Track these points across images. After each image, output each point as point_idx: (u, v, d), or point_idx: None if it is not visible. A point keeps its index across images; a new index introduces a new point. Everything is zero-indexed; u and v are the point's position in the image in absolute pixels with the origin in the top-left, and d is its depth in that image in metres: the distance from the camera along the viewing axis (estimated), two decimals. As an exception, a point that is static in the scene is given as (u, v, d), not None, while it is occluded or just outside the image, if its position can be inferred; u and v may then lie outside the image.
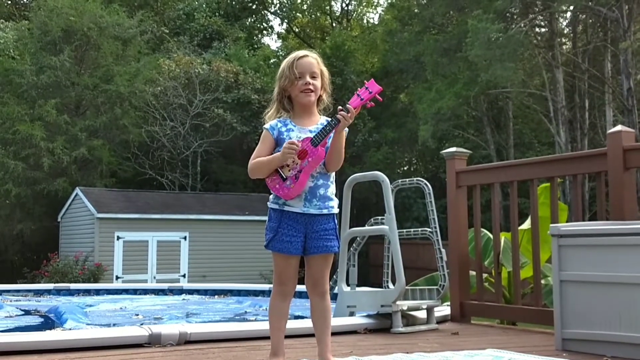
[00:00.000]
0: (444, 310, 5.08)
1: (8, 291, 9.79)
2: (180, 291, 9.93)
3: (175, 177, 22.76)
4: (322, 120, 2.97)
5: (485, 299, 5.06)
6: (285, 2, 32.84)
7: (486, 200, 15.62)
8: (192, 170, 22.88)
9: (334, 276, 4.83)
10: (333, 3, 32.53)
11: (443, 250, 4.87)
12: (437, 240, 4.90)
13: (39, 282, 15.78)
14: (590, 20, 21.59)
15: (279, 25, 36.15)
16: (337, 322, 4.13)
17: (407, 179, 5.12)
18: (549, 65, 20.44)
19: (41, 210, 20.43)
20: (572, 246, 3.60)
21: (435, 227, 4.94)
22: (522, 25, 19.61)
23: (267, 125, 2.94)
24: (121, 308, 7.77)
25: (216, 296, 9.52)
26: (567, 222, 5.83)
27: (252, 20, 33.29)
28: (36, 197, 20.09)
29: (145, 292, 10.03)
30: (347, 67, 24.35)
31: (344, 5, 32.58)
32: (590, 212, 19.65)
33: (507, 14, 20.89)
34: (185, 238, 18.47)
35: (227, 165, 24.32)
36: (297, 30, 33.81)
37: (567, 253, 3.61)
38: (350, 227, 4.69)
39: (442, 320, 4.96)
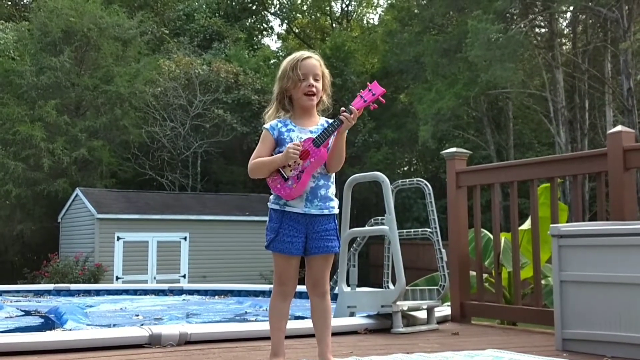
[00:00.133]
0: (444, 310, 5.08)
1: (8, 292, 9.79)
2: (181, 292, 9.93)
3: (175, 178, 22.77)
4: (321, 121, 2.97)
5: (485, 299, 5.06)
6: (285, 2, 32.86)
7: (486, 200, 15.63)
8: (192, 170, 22.89)
9: (334, 276, 4.83)
10: (333, 4, 32.56)
11: (443, 250, 4.87)
12: (438, 240, 4.90)
13: (39, 283, 15.79)
14: (590, 21, 21.59)
15: (279, 25, 36.23)
16: (337, 322, 4.14)
17: (407, 180, 5.12)
18: (549, 66, 20.44)
19: (41, 211, 20.44)
20: (572, 246, 3.60)
21: (436, 228, 4.94)
22: (522, 25, 19.61)
23: (267, 125, 2.94)
24: (121, 308, 7.77)
25: (216, 297, 9.52)
26: (567, 222, 5.83)
27: (252, 20, 33.31)
28: (36, 198, 20.10)
29: (146, 292, 10.03)
30: (347, 67, 24.36)
31: (344, 5, 32.62)
32: (590, 213, 19.65)
33: (507, 15, 20.89)
34: (185, 238, 18.48)
35: (227, 166, 24.33)
36: (297, 30, 33.82)
37: (567, 253, 3.61)
38: (350, 228, 4.69)
39: (443, 320, 4.96)
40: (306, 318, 4.65)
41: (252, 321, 6.33)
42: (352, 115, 2.80)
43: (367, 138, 23.67)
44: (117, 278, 17.34)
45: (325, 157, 2.85)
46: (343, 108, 2.82)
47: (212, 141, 22.36)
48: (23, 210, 20.34)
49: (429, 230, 5.00)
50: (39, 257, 19.62)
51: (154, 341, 3.66)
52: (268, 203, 2.94)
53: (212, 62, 23.56)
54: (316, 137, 2.82)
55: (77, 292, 9.75)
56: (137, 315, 7.02)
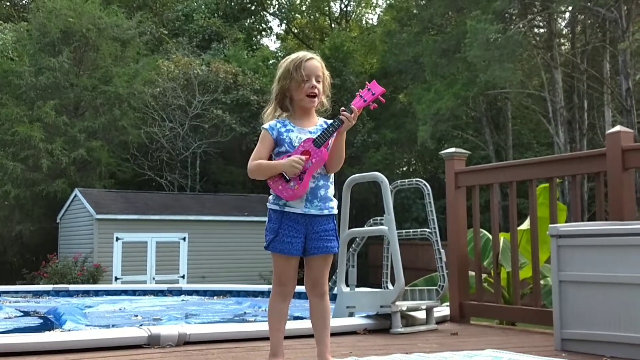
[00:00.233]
0: (443, 310, 5.08)
1: (7, 292, 9.79)
2: (180, 292, 9.93)
3: (174, 178, 22.76)
4: (320, 121, 2.97)
5: (484, 299, 5.06)
6: (284, 3, 32.86)
7: (485, 200, 15.62)
8: (191, 171, 22.89)
9: (334, 277, 4.83)
10: (332, 4, 32.58)
11: (442, 250, 4.87)
12: (437, 240, 4.91)
13: (38, 283, 15.79)
14: (589, 21, 21.61)
15: (278, 26, 36.28)
16: (336, 322, 4.13)
17: (406, 180, 5.12)
18: (548, 66, 20.45)
19: (40, 212, 20.43)
20: (571, 246, 3.60)
21: (435, 228, 4.94)
22: (521, 25, 19.63)
23: (266, 126, 2.93)
24: (120, 309, 7.77)
25: (215, 297, 9.52)
26: (566, 222, 5.84)
27: (251, 21, 33.31)
28: (35, 198, 20.08)
29: (145, 293, 10.03)
30: (346, 67, 24.37)
31: (342, 6, 32.62)
32: (589, 213, 19.66)
33: (506, 15, 20.90)
34: (184, 239, 18.47)
35: (226, 166, 24.33)
36: (296, 31, 33.83)
37: (566, 253, 3.61)
38: (349, 228, 4.69)
39: (442, 320, 4.96)
40: (305, 318, 4.65)
41: (251, 322, 6.33)
42: (352, 115, 2.80)
43: (366, 138, 23.68)
44: (116, 278, 17.33)
45: (326, 157, 2.85)
46: (343, 108, 2.81)
47: (211, 141, 22.35)
48: (22, 211, 20.33)
49: (428, 230, 5.00)
50: (38, 258, 19.61)
51: (152, 342, 3.65)
52: (267, 203, 2.94)
53: (211, 62, 23.56)
54: (317, 138, 2.82)
55: (76, 293, 9.75)
56: (136, 316, 7.02)
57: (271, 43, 42.72)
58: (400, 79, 25.69)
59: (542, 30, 22.59)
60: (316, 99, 2.91)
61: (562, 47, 23.15)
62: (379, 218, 5.05)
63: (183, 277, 18.23)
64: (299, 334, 3.91)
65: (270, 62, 27.41)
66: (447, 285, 4.83)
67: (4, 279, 17.92)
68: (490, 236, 6.33)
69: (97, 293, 9.84)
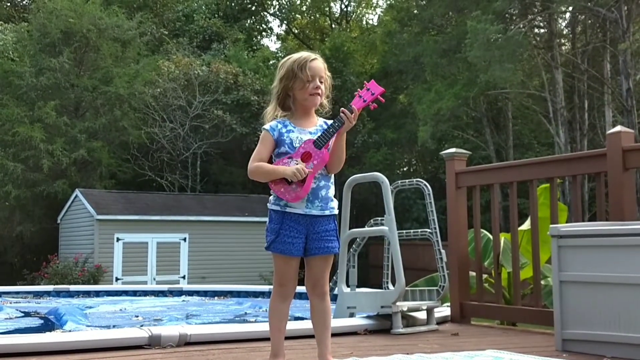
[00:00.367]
0: (443, 311, 5.08)
1: (8, 293, 9.78)
2: (180, 292, 9.92)
3: (174, 179, 22.76)
4: (320, 122, 2.97)
5: (485, 299, 5.06)
6: (285, 3, 32.87)
7: (486, 201, 15.62)
8: (192, 171, 22.89)
9: (334, 277, 4.83)
10: (332, 4, 32.58)
11: (443, 251, 4.86)
12: (437, 241, 4.90)
13: (39, 284, 15.79)
14: (590, 21, 21.61)
15: (278, 26, 36.31)
16: (337, 323, 4.13)
17: (407, 180, 5.12)
18: (548, 66, 20.46)
19: (41, 212, 20.43)
20: (572, 247, 3.60)
21: (435, 228, 4.94)
22: (521, 26, 19.62)
23: (266, 126, 2.93)
24: (121, 310, 7.77)
25: (216, 297, 9.51)
26: (566, 222, 5.84)
27: (252, 21, 33.31)
28: (36, 199, 20.09)
29: (145, 293, 10.01)
30: (347, 68, 24.38)
31: (343, 6, 32.63)
32: (589, 213, 19.66)
33: (506, 15, 20.91)
34: (184, 239, 18.47)
35: (227, 167, 24.33)
36: (296, 31, 33.83)
37: (567, 254, 3.61)
38: (350, 228, 4.69)
39: (442, 321, 4.96)
40: (306, 319, 4.65)
41: (252, 322, 6.32)
42: (352, 115, 2.80)
43: (366, 138, 23.68)
44: (117, 279, 17.33)
45: (327, 158, 2.85)
46: (343, 108, 2.81)
47: (211, 142, 22.36)
48: (22, 212, 20.34)
49: (428, 230, 5.00)
50: (39, 259, 19.61)
51: (153, 342, 3.66)
52: (268, 204, 2.94)
53: (212, 62, 23.56)
54: (317, 139, 2.82)
55: (77, 293, 9.74)
56: (137, 316, 7.01)
57: (271, 43, 42.77)
58: (400, 79, 25.70)
59: (542, 30, 22.60)
60: (319, 98, 2.91)
61: (563, 47, 23.16)
62: (379, 218, 5.04)
63: (184, 277, 18.23)
64: (300, 334, 3.91)
65: (271, 62, 27.41)
66: (447, 285, 4.83)
67: (5, 279, 17.92)
68: (490, 236, 6.34)
69: (97, 294, 9.82)
